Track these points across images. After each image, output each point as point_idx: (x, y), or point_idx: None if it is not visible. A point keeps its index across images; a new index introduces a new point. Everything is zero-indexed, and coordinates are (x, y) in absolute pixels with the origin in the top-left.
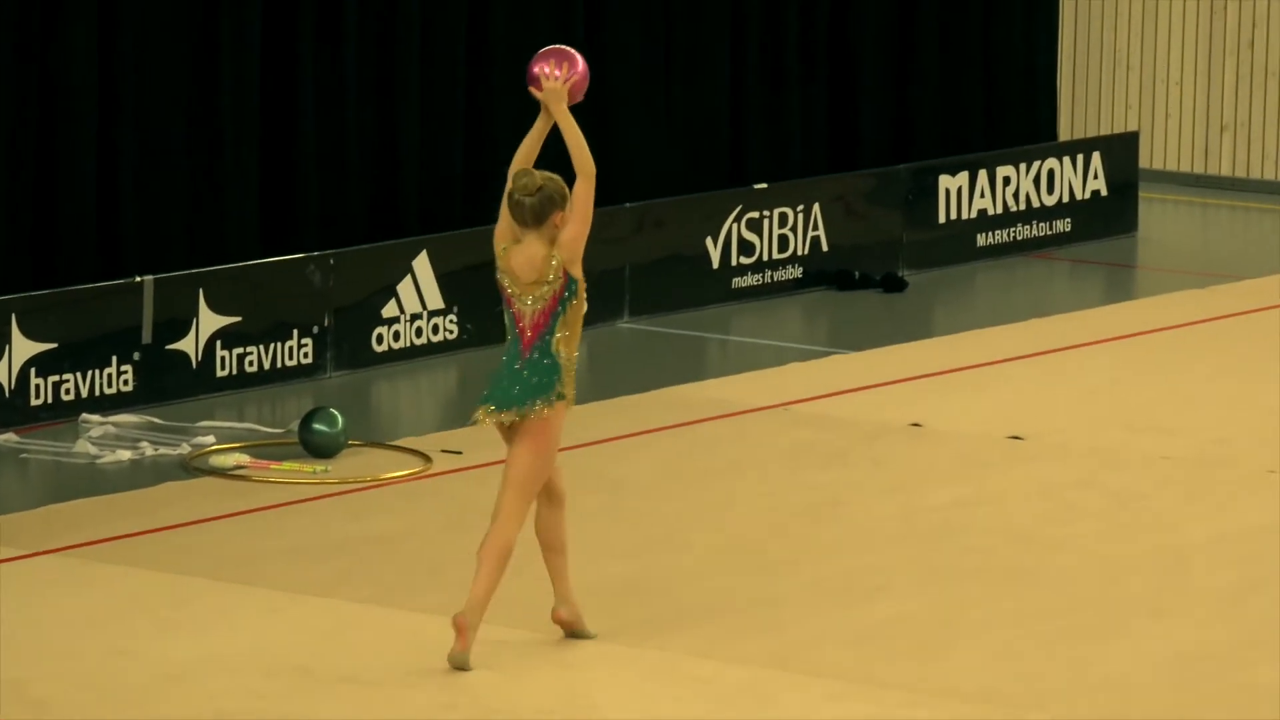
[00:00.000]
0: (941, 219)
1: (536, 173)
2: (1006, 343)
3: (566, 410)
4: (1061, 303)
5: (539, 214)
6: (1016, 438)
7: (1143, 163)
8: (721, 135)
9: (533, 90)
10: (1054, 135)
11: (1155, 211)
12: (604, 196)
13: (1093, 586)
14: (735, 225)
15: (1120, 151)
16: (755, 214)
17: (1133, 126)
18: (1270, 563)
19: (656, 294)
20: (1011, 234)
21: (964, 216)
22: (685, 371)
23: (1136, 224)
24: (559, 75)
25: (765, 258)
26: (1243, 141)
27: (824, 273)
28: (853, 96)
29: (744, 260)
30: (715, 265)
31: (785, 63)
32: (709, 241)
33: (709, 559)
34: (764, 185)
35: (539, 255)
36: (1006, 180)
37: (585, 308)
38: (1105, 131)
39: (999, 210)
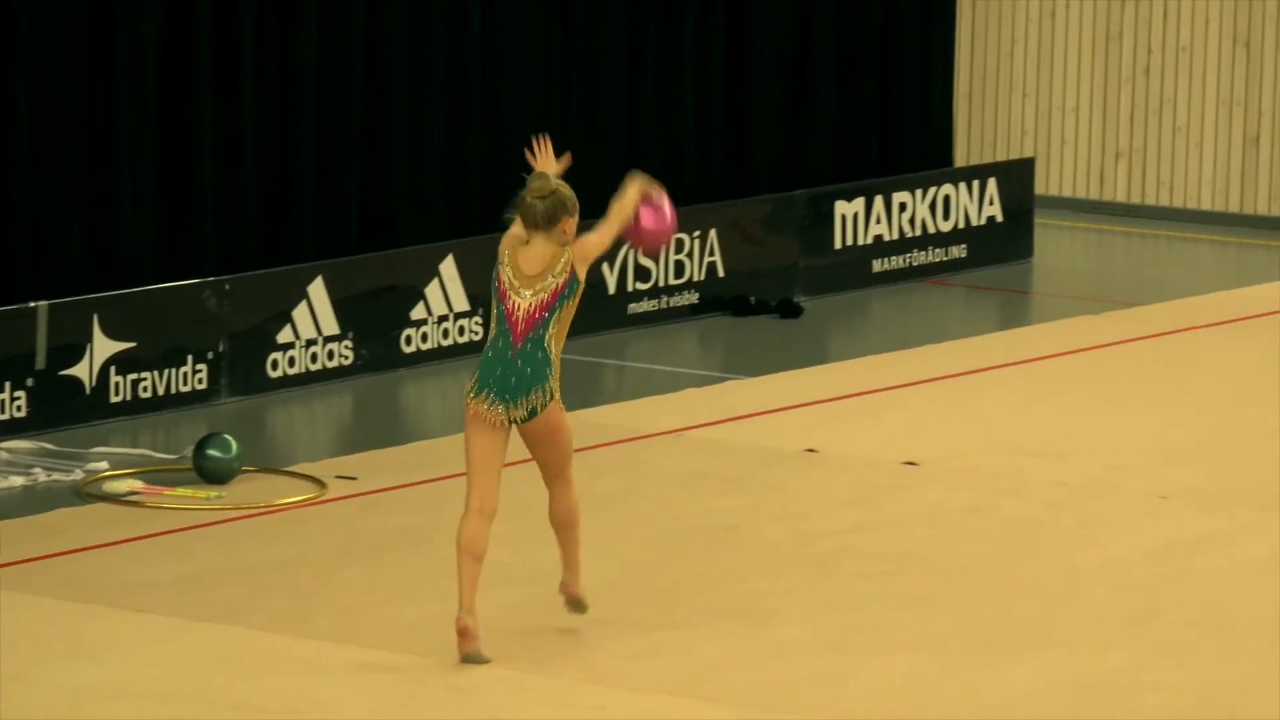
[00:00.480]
0: (837, 245)
1: (547, 179)
2: (902, 369)
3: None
4: (957, 329)
5: (551, 217)
6: (911, 463)
7: (1038, 189)
8: (617, 162)
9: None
10: (950, 161)
11: (1051, 237)
12: (498, 224)
13: (988, 612)
14: (632, 251)
15: (1016, 178)
16: None
17: (1029, 153)
18: (1163, 587)
19: None
20: (907, 260)
21: (860, 242)
22: (581, 397)
23: (1032, 250)
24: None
25: (661, 284)
26: (1138, 168)
27: (720, 299)
28: (749, 122)
29: (640, 286)
30: (612, 291)
31: (682, 89)
32: (605, 267)
33: (604, 585)
34: None
35: (548, 253)
36: (903, 206)
37: (574, 312)
38: (1001, 158)
39: (895, 236)
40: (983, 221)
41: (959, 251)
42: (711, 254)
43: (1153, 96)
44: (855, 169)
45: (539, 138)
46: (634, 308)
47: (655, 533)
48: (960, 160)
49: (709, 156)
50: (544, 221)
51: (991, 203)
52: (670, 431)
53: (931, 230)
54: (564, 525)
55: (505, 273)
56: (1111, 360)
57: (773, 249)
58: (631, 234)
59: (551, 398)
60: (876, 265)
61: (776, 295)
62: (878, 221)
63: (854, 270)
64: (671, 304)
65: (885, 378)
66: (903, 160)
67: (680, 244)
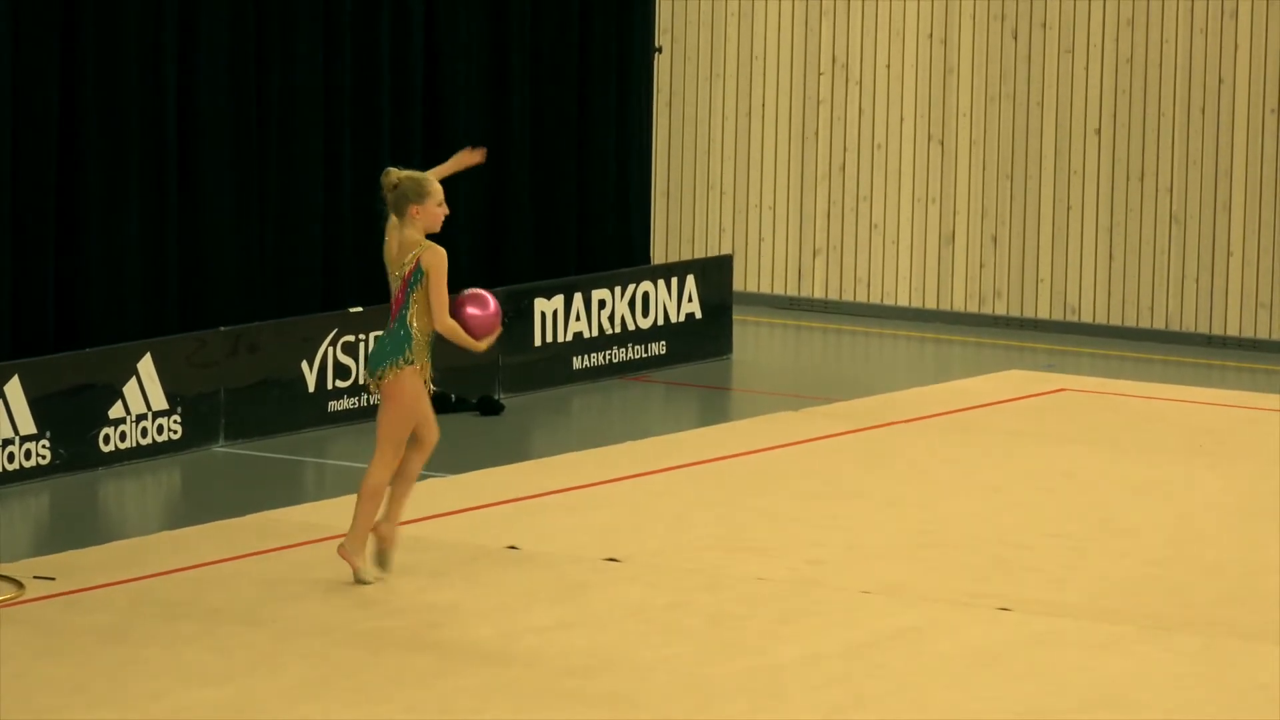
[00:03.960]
0: (537, 342)
1: (394, 172)
2: (602, 466)
3: (421, 376)
4: (657, 425)
5: (396, 206)
6: (613, 559)
7: (737, 286)
8: (315, 259)
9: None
10: (648, 259)
11: (750, 334)
12: (197, 320)
13: (690, 708)
14: (330, 349)
15: (714, 275)
16: (350, 337)
17: (727, 250)
18: (864, 682)
19: (252, 418)
20: (608, 357)
21: (560, 339)
22: (281, 495)
23: (731, 347)
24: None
25: (362, 381)
26: (835, 265)
27: None
28: (447, 219)
29: (340, 384)
30: (311, 389)
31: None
32: (304, 365)
33: (304, 686)
34: (359, 309)
35: (403, 240)
36: (602, 303)
37: (442, 294)
38: (700, 255)
39: (595, 333)
40: (682, 318)
41: (658, 348)
42: None
43: (849, 194)
44: (554, 267)
45: (472, 149)
46: (334, 405)
47: (356, 631)
48: (659, 258)
49: None
50: (393, 209)
51: (690, 300)
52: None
53: (631, 327)
54: (361, 493)
55: (384, 255)
56: (810, 456)
57: None
58: (461, 322)
59: (409, 364)
60: (576, 362)
61: (477, 392)
62: (577, 319)
63: (554, 367)
64: (372, 402)
65: (586, 474)
66: (602, 258)
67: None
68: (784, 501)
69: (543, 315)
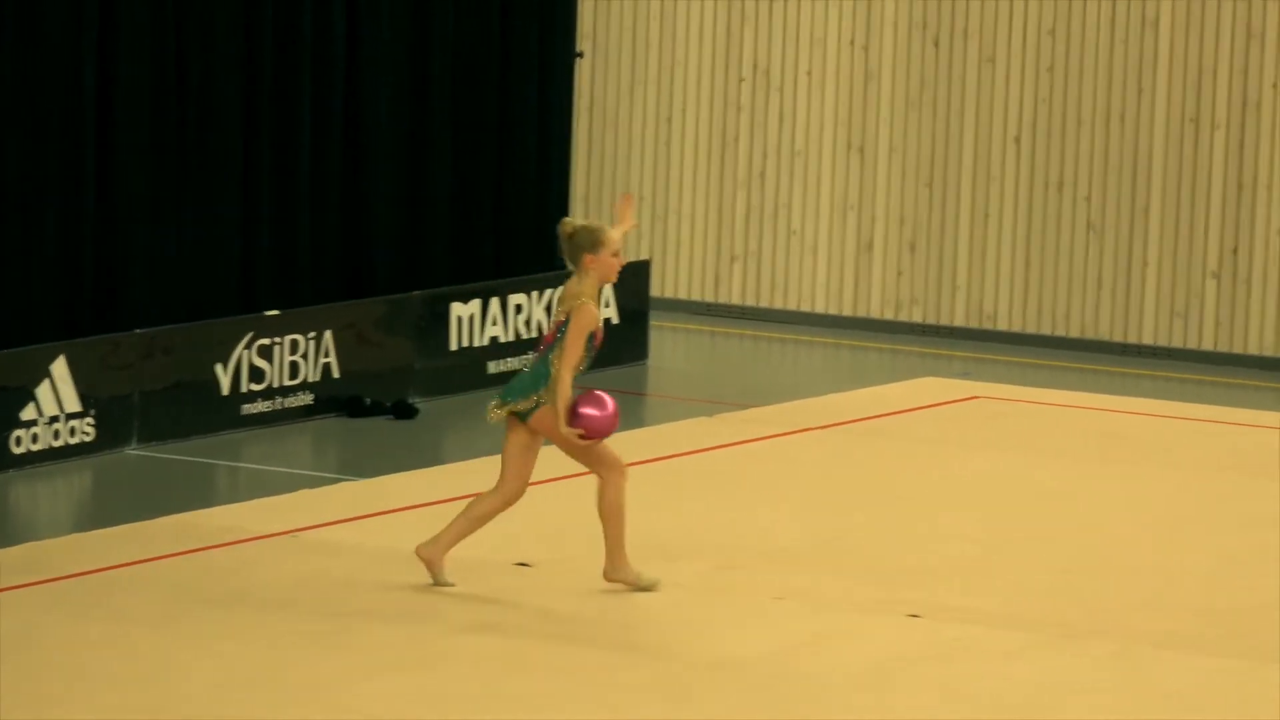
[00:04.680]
0: (453, 346)
1: (569, 222)
2: None
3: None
4: None
5: (571, 256)
6: (524, 564)
7: (654, 291)
8: (232, 261)
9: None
10: (565, 264)
11: (666, 340)
12: (110, 323)
13: (600, 714)
14: (246, 352)
15: (632, 280)
16: (266, 340)
17: (644, 256)
18: (777, 689)
19: (166, 420)
20: (524, 361)
21: (476, 344)
22: (194, 498)
23: (647, 352)
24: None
25: (276, 384)
26: (752, 271)
27: (335, 399)
28: (365, 223)
29: (254, 387)
30: (225, 392)
31: (297, 188)
32: (219, 368)
33: (210, 690)
34: (275, 312)
35: (570, 289)
36: (519, 308)
37: (586, 355)
38: None
39: (511, 338)
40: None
41: None
42: (326, 355)
43: (768, 200)
44: (471, 270)
45: (625, 196)
46: (248, 408)
47: (266, 635)
48: None
49: (324, 257)
50: (568, 258)
51: (607, 305)
52: (283, 533)
53: (547, 332)
54: (602, 514)
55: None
56: (725, 462)
57: (388, 350)
58: (577, 421)
59: (535, 408)
60: (492, 366)
61: (392, 396)
62: (494, 323)
63: (469, 372)
64: (286, 405)
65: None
66: (519, 262)
67: (295, 345)
68: (697, 507)
69: (459, 319)
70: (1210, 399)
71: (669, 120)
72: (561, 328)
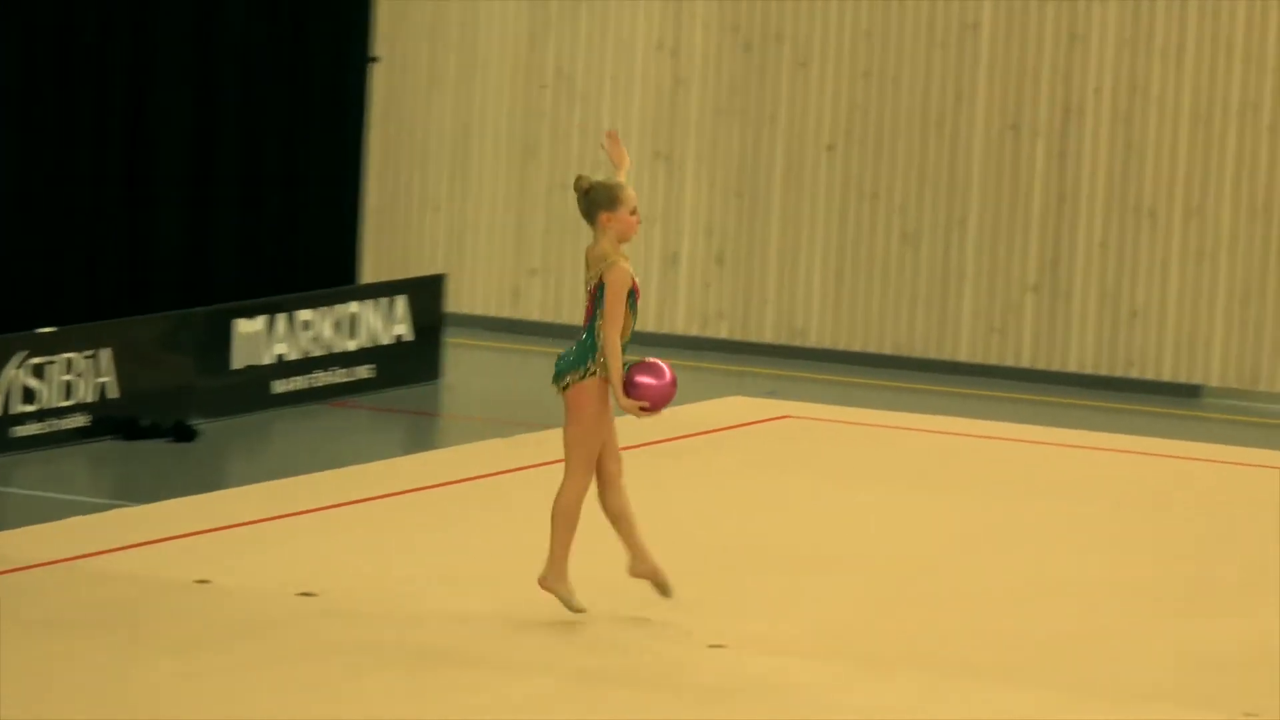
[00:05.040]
0: (236, 364)
1: (585, 177)
2: (301, 495)
3: (605, 385)
4: (361, 453)
5: (588, 214)
6: (308, 594)
7: (450, 307)
8: (2, 275)
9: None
10: (356, 278)
11: (462, 357)
12: None
13: None
14: (17, 371)
15: (426, 295)
16: (39, 359)
17: (440, 269)
18: (603, 711)
19: None
20: (311, 381)
21: (261, 362)
22: None
23: (441, 370)
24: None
25: (48, 405)
26: (553, 286)
27: (111, 421)
28: (146, 237)
29: (25, 408)
30: None
31: (76, 200)
32: None
33: None
34: (50, 329)
35: (595, 249)
36: (306, 324)
37: (630, 316)
38: (412, 274)
39: (298, 356)
40: (391, 340)
41: (366, 372)
42: (103, 374)
43: (570, 212)
44: (257, 285)
45: (610, 133)
46: (18, 431)
47: (30, 671)
48: (369, 277)
49: (101, 271)
50: (585, 217)
51: (400, 321)
52: (56, 562)
53: (337, 349)
54: (553, 515)
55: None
56: (521, 485)
57: (168, 369)
58: (629, 389)
59: (592, 374)
60: (278, 386)
61: (170, 418)
62: (280, 340)
63: (253, 392)
64: (59, 427)
65: (283, 504)
66: (308, 276)
67: (70, 363)
68: (491, 533)
69: (243, 337)
70: (1028, 418)
71: (467, 128)
72: (597, 294)
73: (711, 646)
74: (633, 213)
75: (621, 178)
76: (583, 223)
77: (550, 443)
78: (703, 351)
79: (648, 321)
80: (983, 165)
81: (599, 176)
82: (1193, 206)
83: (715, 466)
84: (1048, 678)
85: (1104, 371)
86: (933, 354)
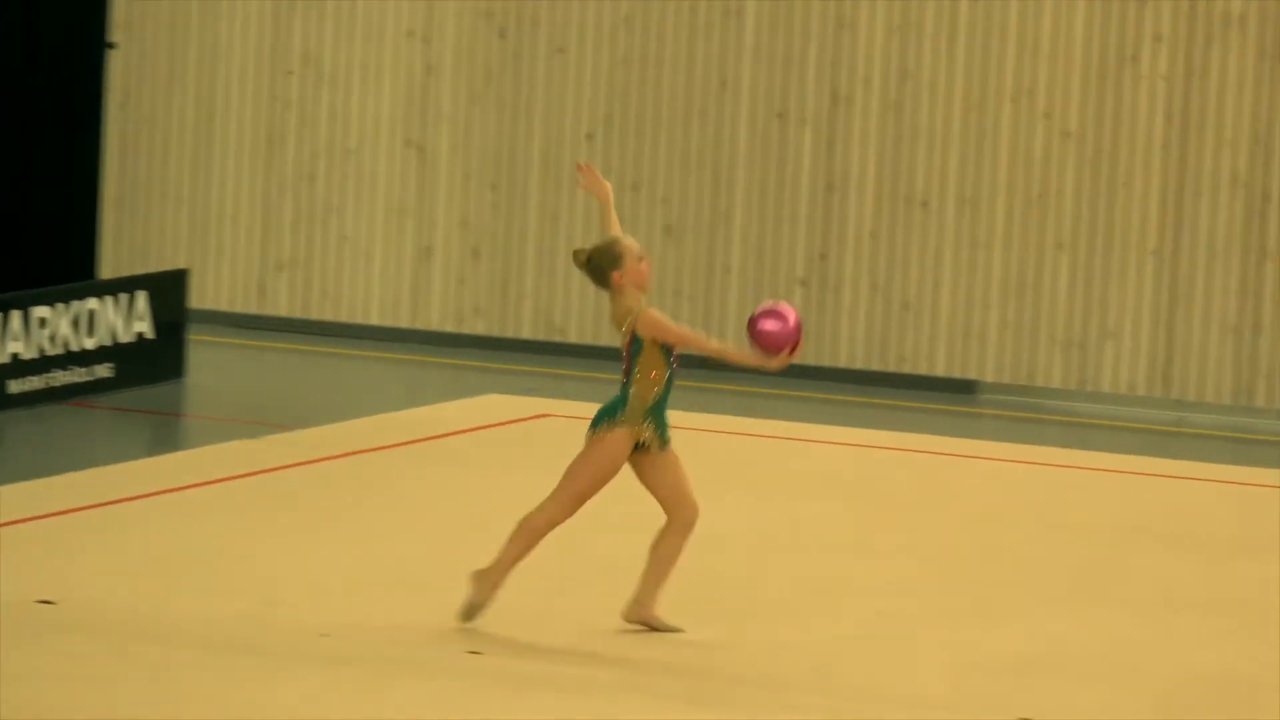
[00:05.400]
0: None
1: (580, 251)
2: (37, 499)
3: (636, 438)
4: (100, 455)
5: (597, 280)
6: (47, 602)
7: (193, 303)
8: None
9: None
10: (94, 273)
11: (206, 355)
12: None
13: None
14: None
15: (168, 291)
16: None
17: (183, 264)
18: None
19: None
20: (47, 380)
21: None
22: None
23: (184, 369)
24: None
25: None
26: (301, 280)
27: None
28: None
29: None
30: None
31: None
32: None
33: None
34: None
35: (618, 308)
36: (42, 321)
37: (664, 369)
38: (154, 269)
39: (34, 355)
40: (131, 338)
41: (105, 371)
42: None
43: (318, 203)
44: None
45: (583, 166)
46: None
47: None
48: (108, 272)
49: None
50: (596, 284)
51: (141, 318)
52: None
53: (74, 348)
54: (518, 527)
55: None
56: (270, 487)
57: None
58: (754, 339)
59: (620, 425)
60: (13, 386)
61: None
62: (14, 339)
63: None
64: None
65: (17, 510)
66: (43, 272)
67: None
68: (239, 536)
69: None
70: (795, 415)
71: (210, 117)
72: (633, 348)
73: (469, 653)
74: (640, 260)
75: (610, 211)
76: (333, 214)
77: (302, 443)
78: (459, 349)
79: (400, 317)
80: (748, 155)
81: (587, 245)
82: (966, 196)
83: (469, 467)
84: (817, 684)
85: (876, 367)
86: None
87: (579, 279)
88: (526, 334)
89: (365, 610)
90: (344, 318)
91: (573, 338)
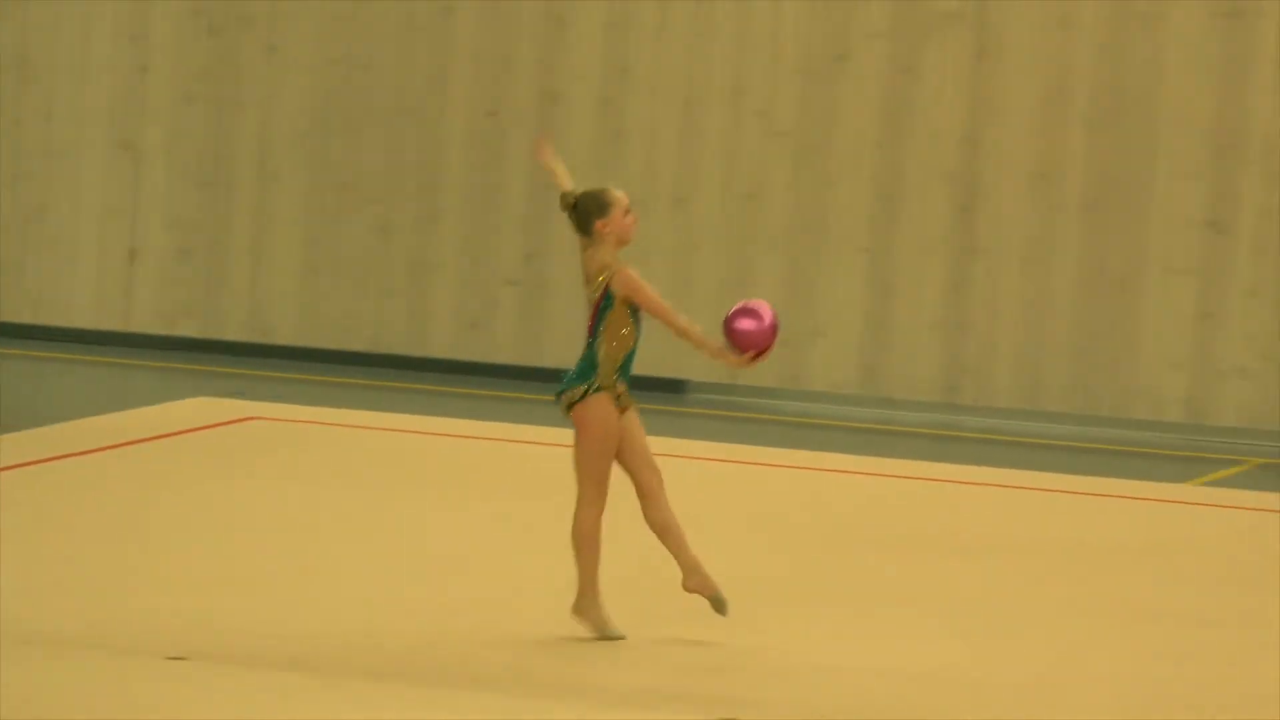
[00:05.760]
0: None
1: (570, 192)
2: None
3: (611, 400)
4: None
5: (579, 226)
6: None
7: None
8: None
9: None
10: None
11: None
12: None
13: None
14: None
15: None
16: None
17: None
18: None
19: None
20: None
21: None
22: None
23: None
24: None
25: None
26: (11, 284)
27: None
28: None
29: None
30: None
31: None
32: None
33: None
34: None
35: (592, 261)
36: None
37: (633, 327)
38: None
39: None
40: None
41: None
42: None
43: (25, 205)
44: None
45: (541, 137)
46: None
47: None
48: None
49: None
50: (578, 230)
51: None
52: None
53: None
54: (573, 543)
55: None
56: None
57: None
58: (729, 337)
59: (582, 397)
60: None
61: None
62: None
63: None
64: None
65: None
66: None
67: None
68: None
69: None
70: (508, 416)
71: None
72: (601, 306)
73: (173, 658)
74: (626, 213)
75: (566, 185)
76: (40, 216)
77: (32, 443)
78: (167, 351)
79: (105, 320)
80: (461, 154)
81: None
82: (679, 195)
83: (171, 472)
84: (515, 681)
85: None
86: (408, 350)
87: (291, 279)
88: (237, 335)
89: (89, 621)
90: (46, 320)
91: (283, 339)
